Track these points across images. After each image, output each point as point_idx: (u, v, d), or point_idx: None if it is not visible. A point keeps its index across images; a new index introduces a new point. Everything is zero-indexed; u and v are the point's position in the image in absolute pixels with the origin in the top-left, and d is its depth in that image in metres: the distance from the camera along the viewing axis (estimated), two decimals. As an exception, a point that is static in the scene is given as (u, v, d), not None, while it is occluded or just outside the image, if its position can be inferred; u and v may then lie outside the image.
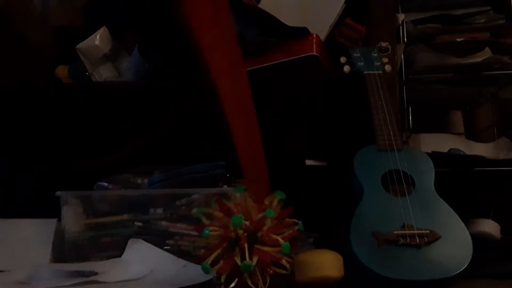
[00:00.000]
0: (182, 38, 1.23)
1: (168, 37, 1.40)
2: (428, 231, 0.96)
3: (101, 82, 1.48)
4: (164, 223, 1.15)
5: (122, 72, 1.50)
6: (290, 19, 1.36)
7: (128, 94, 1.39)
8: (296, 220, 1.03)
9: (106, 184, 1.23)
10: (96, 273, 1.05)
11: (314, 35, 1.35)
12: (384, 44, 1.38)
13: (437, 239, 0.96)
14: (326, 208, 1.26)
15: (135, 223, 1.16)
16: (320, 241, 1.20)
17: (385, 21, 1.45)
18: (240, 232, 0.96)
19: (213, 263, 0.96)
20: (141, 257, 1.11)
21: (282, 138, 1.35)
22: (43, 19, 1.58)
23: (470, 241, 0.97)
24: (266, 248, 0.97)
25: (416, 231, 0.96)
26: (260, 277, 0.95)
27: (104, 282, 1.02)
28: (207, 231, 0.98)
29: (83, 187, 1.20)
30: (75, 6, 1.54)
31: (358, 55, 1.34)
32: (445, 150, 1.43)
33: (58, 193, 1.16)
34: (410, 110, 1.53)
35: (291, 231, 1.02)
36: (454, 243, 0.97)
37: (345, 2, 1.44)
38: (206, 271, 0.96)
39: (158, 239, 1.14)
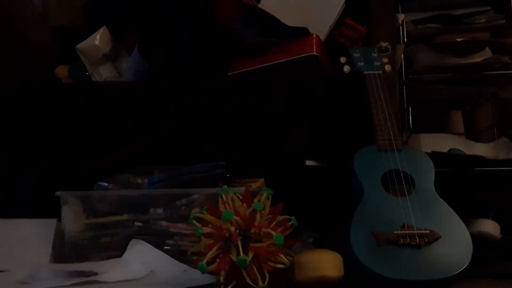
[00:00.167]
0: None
1: (168, 37, 1.40)
2: (428, 231, 0.96)
3: (101, 82, 1.48)
4: (164, 223, 1.15)
5: (122, 72, 1.50)
6: (290, 19, 1.36)
7: (128, 94, 1.39)
8: (289, 216, 1.04)
9: (106, 184, 1.23)
10: (96, 273, 1.05)
11: (314, 35, 1.35)
12: (384, 44, 1.38)
13: (437, 239, 0.96)
14: (326, 208, 1.26)
15: (135, 223, 1.16)
16: (320, 241, 1.20)
17: (385, 21, 1.45)
18: (232, 229, 0.97)
19: (210, 263, 0.96)
20: (142, 257, 1.11)
21: (282, 138, 1.35)
22: (43, 19, 1.58)
23: (470, 241, 0.97)
24: (260, 244, 0.98)
25: (416, 231, 0.96)
26: (258, 274, 0.96)
27: (104, 282, 1.02)
28: (200, 230, 0.99)
29: (83, 187, 1.20)
30: (75, 6, 1.54)
31: (358, 55, 1.34)
32: (445, 150, 1.43)
33: (58, 193, 1.16)
34: (410, 110, 1.53)
35: (284, 227, 1.02)
36: (454, 243, 0.97)
37: (345, 2, 1.44)
38: (202, 270, 0.96)
39: (158, 239, 1.14)
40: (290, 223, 1.04)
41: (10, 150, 1.35)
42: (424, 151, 1.22)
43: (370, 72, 1.30)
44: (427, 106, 1.64)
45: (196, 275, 1.00)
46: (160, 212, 1.16)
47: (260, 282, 0.95)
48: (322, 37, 1.40)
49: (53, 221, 1.22)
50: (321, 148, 1.35)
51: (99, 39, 1.45)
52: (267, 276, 0.97)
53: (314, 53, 1.32)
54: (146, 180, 1.24)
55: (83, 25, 1.52)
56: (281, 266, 0.99)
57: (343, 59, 1.33)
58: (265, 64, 1.36)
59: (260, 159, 1.33)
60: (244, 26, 1.37)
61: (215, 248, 0.98)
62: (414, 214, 1.00)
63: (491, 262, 1.09)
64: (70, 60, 1.50)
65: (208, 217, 1.01)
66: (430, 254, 0.94)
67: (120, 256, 1.13)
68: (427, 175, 1.11)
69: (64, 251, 1.17)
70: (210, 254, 0.97)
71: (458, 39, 1.48)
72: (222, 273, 0.96)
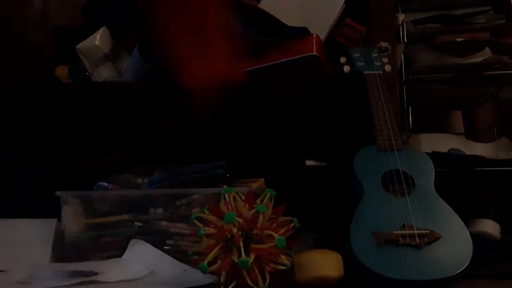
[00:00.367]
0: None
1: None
2: (428, 231, 0.96)
3: (101, 82, 1.48)
4: (164, 223, 1.15)
5: (122, 72, 1.50)
6: (290, 19, 1.36)
7: (128, 94, 1.39)
8: (291, 218, 1.04)
9: (106, 184, 1.23)
10: (96, 273, 1.05)
11: (314, 35, 1.35)
12: (384, 44, 1.38)
13: (437, 239, 0.96)
14: (326, 208, 1.26)
15: (135, 223, 1.16)
16: (320, 241, 1.20)
17: (385, 21, 1.45)
18: (234, 230, 0.97)
19: (211, 264, 0.96)
20: (142, 257, 1.11)
21: (282, 138, 1.35)
22: (43, 19, 1.58)
23: (470, 241, 0.97)
24: (262, 246, 0.97)
25: (416, 231, 0.96)
26: (259, 275, 0.95)
27: (104, 282, 1.02)
28: (202, 231, 0.99)
29: (83, 187, 1.20)
30: (75, 6, 1.54)
31: (358, 55, 1.34)
32: (445, 150, 1.43)
33: (58, 193, 1.16)
34: (410, 110, 1.53)
35: (286, 228, 1.02)
36: (454, 243, 0.97)
37: (345, 2, 1.44)
38: (204, 271, 0.96)
39: (158, 239, 1.14)
40: (292, 224, 1.03)
41: (10, 150, 1.35)
42: (424, 151, 1.22)
43: (370, 72, 1.30)
44: (427, 106, 1.64)
45: (196, 275, 1.00)
46: (160, 212, 1.16)
47: (261, 283, 0.95)
48: (322, 37, 1.40)
49: (53, 221, 1.22)
50: (321, 148, 1.35)
51: (99, 39, 1.45)
52: (268, 277, 0.97)
53: (314, 53, 1.32)
54: (146, 180, 1.24)
55: (83, 25, 1.52)
56: (282, 267, 0.99)
57: (343, 59, 1.33)
58: (265, 64, 1.36)
59: (260, 159, 1.33)
60: (244, 26, 1.36)
61: (217, 248, 0.97)
62: (414, 214, 1.00)
63: (491, 262, 1.09)
64: (70, 60, 1.50)
65: (210, 217, 1.01)
66: (430, 254, 0.94)
67: (120, 256, 1.13)
68: (427, 175, 1.11)
69: (64, 251, 1.17)
70: (211, 255, 0.97)
71: (458, 39, 1.48)
72: (223, 273, 0.96)
